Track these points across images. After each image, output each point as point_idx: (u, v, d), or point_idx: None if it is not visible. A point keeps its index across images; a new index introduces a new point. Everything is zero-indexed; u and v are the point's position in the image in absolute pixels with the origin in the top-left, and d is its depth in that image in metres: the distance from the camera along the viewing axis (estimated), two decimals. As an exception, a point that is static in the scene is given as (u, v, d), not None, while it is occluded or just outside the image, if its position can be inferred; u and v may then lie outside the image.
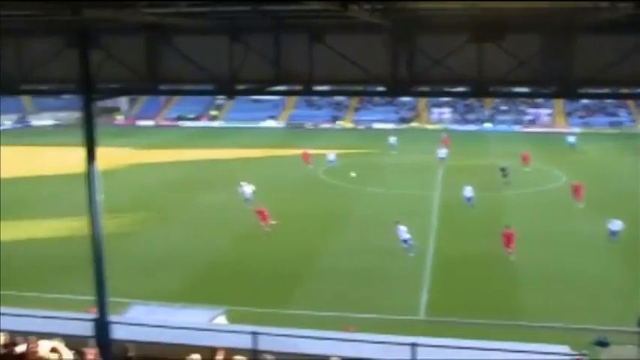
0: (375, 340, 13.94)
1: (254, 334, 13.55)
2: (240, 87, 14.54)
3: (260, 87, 14.78)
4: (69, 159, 58.50)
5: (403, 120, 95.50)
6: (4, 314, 16.85)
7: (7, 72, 15.15)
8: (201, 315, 21.44)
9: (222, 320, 21.42)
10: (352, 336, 15.51)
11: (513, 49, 12.11)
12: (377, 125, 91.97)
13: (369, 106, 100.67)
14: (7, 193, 50.42)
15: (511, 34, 11.99)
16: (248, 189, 43.27)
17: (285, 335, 14.61)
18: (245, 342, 13.57)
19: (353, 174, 35.75)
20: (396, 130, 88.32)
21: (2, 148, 75.03)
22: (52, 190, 50.55)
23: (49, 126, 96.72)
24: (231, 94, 14.86)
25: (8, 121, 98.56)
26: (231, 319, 21.99)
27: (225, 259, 33.81)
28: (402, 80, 12.80)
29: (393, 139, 70.76)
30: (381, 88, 13.99)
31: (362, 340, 13.80)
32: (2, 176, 57.63)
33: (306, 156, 61.00)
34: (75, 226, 35.93)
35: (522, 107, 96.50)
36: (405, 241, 33.93)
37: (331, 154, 60.14)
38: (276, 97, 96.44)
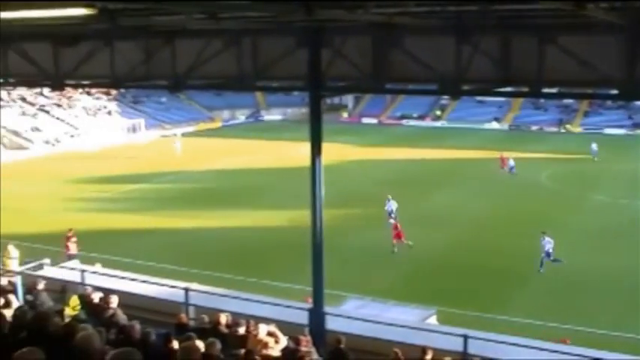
0: (591, 355, 13.25)
1: (465, 337, 13.40)
2: (465, 87, 14.40)
3: (485, 87, 14.55)
4: (294, 153, 61.23)
5: (637, 126, 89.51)
6: (228, 297, 18.01)
7: (245, 69, 16.13)
8: (412, 313, 21.53)
9: (433, 321, 21.38)
10: (567, 349, 14.85)
11: None
12: (608, 131, 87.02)
13: (600, 110, 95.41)
14: (237, 182, 53.75)
15: None
16: (393, 204, 41.19)
17: (496, 341, 14.31)
18: (455, 344, 13.47)
19: (410, 242, 33.78)
20: (629, 136, 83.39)
21: (235, 140, 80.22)
22: (275, 181, 53.03)
23: (278, 121, 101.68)
24: (455, 94, 14.76)
25: (242, 116, 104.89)
26: (442, 320, 21.87)
27: (439, 260, 33.66)
28: (639, 83, 12.03)
29: (594, 145, 66.94)
30: (613, 92, 13.23)
31: (577, 355, 13.18)
32: (234, 167, 61.55)
33: (503, 160, 59.40)
34: (295, 217, 37.47)
35: None
36: (547, 254, 31.91)
37: (511, 160, 57.95)
38: (502, 99, 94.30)
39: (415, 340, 13.89)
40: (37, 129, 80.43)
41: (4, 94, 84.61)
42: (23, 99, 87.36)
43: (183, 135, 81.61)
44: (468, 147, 72.87)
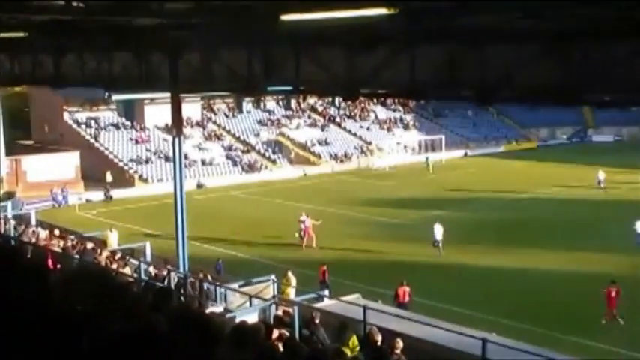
0: None
1: None
2: None
3: None
4: (629, 182, 58.49)
5: None
6: (532, 353, 17.64)
7: (569, 79, 15.73)
8: None
9: None
10: None
11: None
12: None
13: None
14: (553, 214, 52.29)
15: None
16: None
17: None
18: None
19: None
20: None
21: (554, 164, 78.27)
22: (602, 216, 50.69)
23: (609, 142, 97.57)
24: None
25: (564, 135, 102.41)
26: None
27: None
28: None
29: None
30: None
31: None
32: (551, 196, 60.24)
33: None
34: (622, 262, 35.84)
35: None
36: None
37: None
38: None
39: None
40: (325, 142, 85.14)
41: (293, 103, 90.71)
42: (313, 109, 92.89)
43: (492, 156, 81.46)
44: None
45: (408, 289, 31.01)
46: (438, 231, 42.52)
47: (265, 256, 40.86)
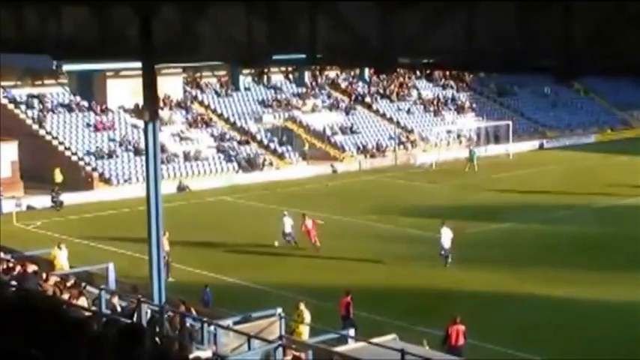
0: None
1: None
2: None
3: None
4: None
5: None
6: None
7: None
8: None
9: None
10: None
11: None
12: None
13: None
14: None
15: None
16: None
17: None
18: None
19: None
20: None
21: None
22: None
23: None
24: None
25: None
26: None
27: None
28: None
29: None
30: None
31: None
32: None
33: None
34: None
35: None
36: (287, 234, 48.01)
37: None
38: None
39: None
40: (350, 130, 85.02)
41: (307, 77, 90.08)
42: (333, 85, 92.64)
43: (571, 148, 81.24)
44: None
45: (462, 328, 30.82)
46: (446, 237, 43.81)
47: (269, 283, 40.83)
